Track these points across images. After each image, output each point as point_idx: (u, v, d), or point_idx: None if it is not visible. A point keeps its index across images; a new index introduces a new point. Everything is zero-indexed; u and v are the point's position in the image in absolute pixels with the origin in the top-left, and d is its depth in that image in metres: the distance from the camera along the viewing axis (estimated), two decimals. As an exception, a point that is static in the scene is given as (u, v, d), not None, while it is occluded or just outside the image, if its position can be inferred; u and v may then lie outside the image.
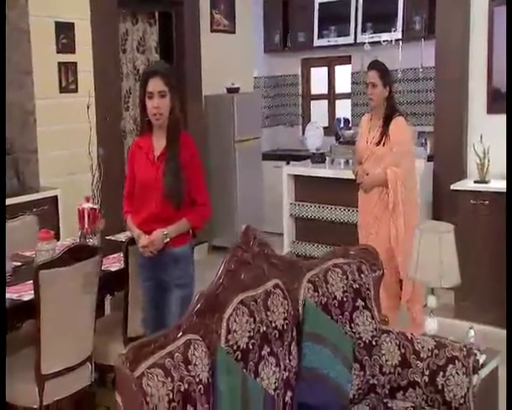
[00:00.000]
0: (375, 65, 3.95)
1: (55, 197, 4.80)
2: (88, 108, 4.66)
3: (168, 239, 2.94)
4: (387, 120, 3.84)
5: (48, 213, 4.66)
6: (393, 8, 6.35)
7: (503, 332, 3.71)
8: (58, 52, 5.07)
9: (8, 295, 2.80)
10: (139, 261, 3.09)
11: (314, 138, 6.24)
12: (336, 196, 5.29)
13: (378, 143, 3.85)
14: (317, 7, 6.93)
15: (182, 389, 1.89)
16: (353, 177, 4.13)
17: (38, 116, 5.00)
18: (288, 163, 6.42)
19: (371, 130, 3.93)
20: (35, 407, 2.73)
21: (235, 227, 6.47)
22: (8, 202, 4.48)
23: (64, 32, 5.09)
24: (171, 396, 1.84)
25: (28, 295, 2.74)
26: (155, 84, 2.90)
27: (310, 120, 7.27)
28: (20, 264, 3.15)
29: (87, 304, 2.86)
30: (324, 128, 6.46)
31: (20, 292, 2.82)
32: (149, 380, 1.80)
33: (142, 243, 2.96)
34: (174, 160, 2.93)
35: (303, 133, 7.14)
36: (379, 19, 6.48)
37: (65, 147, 5.06)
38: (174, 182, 2.91)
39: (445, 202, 4.97)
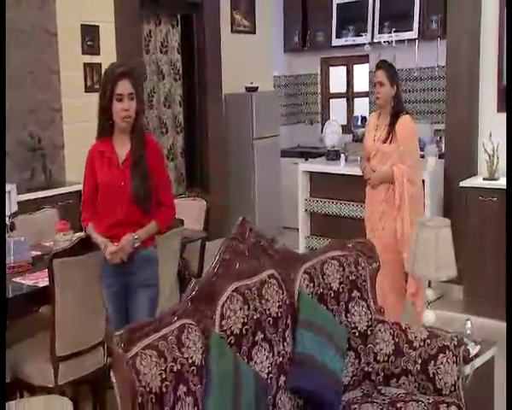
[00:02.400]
0: (383, 64, 3.96)
1: (80, 192, 4.93)
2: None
3: (139, 243, 2.81)
4: (394, 118, 3.84)
5: (72, 206, 4.79)
6: (410, 9, 6.34)
7: (503, 324, 3.76)
8: (83, 53, 5.25)
9: (25, 282, 2.95)
10: (103, 271, 2.90)
11: (332, 136, 6.26)
12: (350, 192, 5.32)
13: (385, 141, 3.86)
14: (335, 7, 6.96)
15: (175, 370, 1.98)
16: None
17: (65, 114, 5.18)
18: (306, 160, 6.48)
19: (378, 128, 3.94)
20: (50, 386, 2.86)
21: (252, 222, 6.55)
22: (36, 195, 4.67)
23: (89, 34, 5.26)
24: (163, 376, 1.93)
25: (44, 282, 2.87)
26: (125, 87, 2.74)
27: (329, 118, 7.30)
28: (39, 253, 3.29)
29: (98, 291, 2.95)
30: (343, 126, 6.49)
31: (37, 279, 2.96)
32: (143, 360, 1.89)
33: (110, 251, 2.78)
34: (141, 164, 2.79)
35: (322, 131, 7.18)
36: (396, 19, 6.48)
37: (90, 143, 5.17)
38: (142, 186, 2.78)
39: (455, 199, 4.97)
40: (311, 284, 2.66)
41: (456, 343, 2.64)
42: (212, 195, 6.36)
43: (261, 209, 6.68)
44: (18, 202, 4.45)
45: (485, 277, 4.67)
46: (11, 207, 4.41)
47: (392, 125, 3.84)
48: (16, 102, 4.87)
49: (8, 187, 4.56)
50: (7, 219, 3.80)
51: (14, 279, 3.00)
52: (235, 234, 2.38)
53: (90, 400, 3.26)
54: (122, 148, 2.84)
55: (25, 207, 4.19)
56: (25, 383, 2.95)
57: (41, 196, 4.65)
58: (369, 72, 7.08)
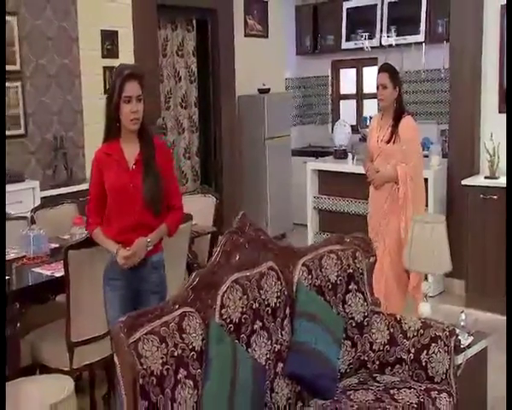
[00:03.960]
0: (386, 67, 3.98)
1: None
2: (129, 108, 4.88)
3: (151, 247, 2.71)
4: (397, 120, 3.85)
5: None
6: (417, 13, 6.35)
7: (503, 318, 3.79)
8: (103, 57, 5.33)
9: (43, 272, 3.05)
10: (109, 274, 2.77)
11: (342, 136, 6.28)
12: (357, 190, 5.32)
13: (388, 141, 3.85)
14: (345, 12, 6.98)
15: (175, 354, 2.05)
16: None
17: (85, 115, 5.28)
18: (316, 159, 6.50)
19: (381, 129, 3.94)
20: (66, 369, 2.94)
21: (264, 219, 6.62)
22: (58, 191, 4.78)
23: (109, 39, 5.35)
24: (164, 360, 2.00)
25: (60, 272, 2.96)
26: (133, 88, 2.61)
27: (339, 119, 7.32)
28: (57, 245, 3.38)
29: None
30: (352, 126, 6.51)
31: (54, 269, 3.05)
32: (145, 344, 1.96)
33: (123, 255, 2.64)
34: (152, 166, 2.68)
35: (332, 131, 7.19)
36: (403, 23, 6.48)
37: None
38: (154, 189, 2.67)
39: (457, 197, 4.97)
40: (310, 277, 2.70)
41: (447, 334, 2.67)
42: (226, 192, 6.45)
43: (273, 206, 6.73)
44: (41, 198, 4.58)
45: (487, 272, 4.67)
46: (34, 202, 4.55)
47: (395, 126, 3.85)
48: (42, 105, 4.99)
49: (33, 184, 4.71)
50: (29, 213, 3.93)
51: (33, 269, 3.10)
52: (235, 228, 2.42)
53: (106, 383, 3.35)
54: (131, 150, 2.70)
55: (47, 203, 4.29)
56: (43, 365, 3.04)
57: (62, 192, 4.75)
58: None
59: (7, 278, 3.00)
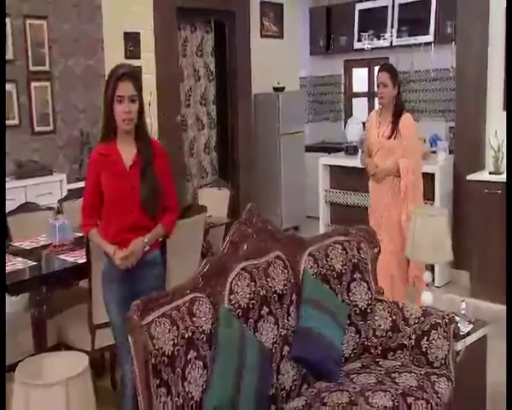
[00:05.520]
0: (386, 67, 3.97)
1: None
2: (149, 104, 4.93)
3: (148, 247, 2.61)
4: (397, 117, 3.85)
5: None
6: (426, 15, 6.28)
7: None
8: (126, 58, 5.37)
9: (67, 259, 3.11)
10: (107, 277, 2.65)
11: (354, 132, 6.28)
12: (365, 184, 5.31)
13: (389, 137, 3.86)
14: (357, 13, 6.93)
15: (186, 336, 2.08)
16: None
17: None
18: (329, 155, 6.48)
19: (381, 125, 3.94)
20: (88, 349, 2.99)
21: (279, 212, 6.64)
22: (82, 184, 4.78)
23: (131, 40, 5.40)
24: (175, 341, 2.03)
25: (82, 259, 3.01)
26: (126, 88, 2.46)
27: (351, 116, 7.30)
28: (81, 234, 3.43)
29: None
30: (364, 123, 6.45)
31: (77, 256, 3.11)
32: (157, 326, 1.99)
33: (120, 256, 2.53)
34: (149, 168, 2.56)
35: (344, 128, 7.17)
36: (413, 24, 6.42)
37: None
38: (152, 191, 2.55)
39: (462, 191, 4.93)
40: (315, 265, 2.71)
41: (447, 321, 2.67)
42: (242, 185, 6.48)
43: (286, 200, 6.73)
44: (68, 190, 4.67)
45: (490, 263, 4.63)
46: (62, 193, 4.63)
47: (395, 122, 3.85)
48: (69, 104, 5.07)
49: (60, 177, 4.80)
50: (56, 204, 4.00)
51: (58, 256, 3.17)
52: (243, 219, 2.45)
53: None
54: (128, 151, 2.56)
55: (73, 194, 4.36)
56: (67, 346, 3.11)
57: (87, 185, 4.82)
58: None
59: (36, 263, 3.07)
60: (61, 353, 2.31)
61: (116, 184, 2.56)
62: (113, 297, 2.63)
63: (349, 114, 7.62)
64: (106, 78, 5.17)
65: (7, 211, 3.72)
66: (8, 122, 4.65)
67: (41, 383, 1.99)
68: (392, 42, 6.61)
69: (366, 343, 2.82)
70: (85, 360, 2.07)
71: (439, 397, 2.47)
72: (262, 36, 6.77)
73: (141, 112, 2.55)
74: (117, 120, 2.50)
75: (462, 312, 3.06)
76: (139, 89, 2.53)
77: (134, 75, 2.54)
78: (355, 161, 5.56)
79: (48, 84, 4.92)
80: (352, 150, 5.80)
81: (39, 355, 2.29)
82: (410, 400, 2.38)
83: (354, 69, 7.62)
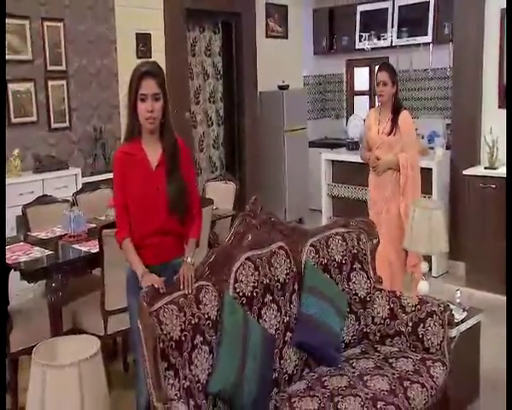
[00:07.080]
0: (385, 66, 3.94)
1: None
2: (159, 102, 4.93)
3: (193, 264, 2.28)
4: (396, 114, 3.83)
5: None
6: (425, 16, 6.23)
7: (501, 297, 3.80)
8: (138, 58, 5.35)
9: (81, 249, 3.11)
10: (132, 283, 2.34)
11: (355, 129, 6.24)
12: (365, 179, 5.30)
13: (389, 134, 3.85)
14: (358, 14, 6.87)
15: (192, 322, 2.09)
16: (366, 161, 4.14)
17: (122, 109, 5.34)
18: (331, 150, 6.46)
19: (380, 122, 3.92)
20: (101, 334, 3.00)
21: (283, 206, 6.63)
22: (97, 178, 4.86)
23: (142, 41, 5.39)
24: (183, 327, 2.04)
25: (96, 249, 3.02)
26: (149, 86, 2.25)
27: (353, 113, 7.26)
28: (94, 226, 3.45)
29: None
30: (365, 120, 6.43)
31: (91, 246, 3.12)
32: (165, 313, 2.00)
33: (147, 284, 2.11)
34: (176, 169, 2.33)
35: (346, 124, 7.14)
36: (412, 25, 6.37)
37: (142, 134, 5.38)
38: (179, 193, 2.32)
39: (459, 186, 4.91)
40: (317, 256, 2.71)
41: (442, 309, 2.67)
42: (248, 179, 6.48)
43: (291, 193, 6.72)
44: (82, 183, 4.68)
45: (485, 255, 4.61)
46: (77, 187, 4.65)
47: (394, 119, 3.83)
48: (84, 101, 5.07)
49: (75, 171, 4.80)
50: (71, 196, 4.02)
51: (73, 246, 3.17)
52: (248, 211, 2.44)
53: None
54: (153, 151, 2.35)
55: (87, 187, 4.38)
56: (81, 331, 3.12)
57: (101, 178, 4.83)
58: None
59: (52, 252, 3.09)
60: (74, 337, 2.31)
61: (142, 186, 2.31)
62: (136, 299, 2.16)
63: (351, 111, 7.57)
64: (118, 76, 5.30)
65: (25, 203, 3.73)
66: (26, 119, 4.66)
67: (56, 364, 2.01)
68: (392, 42, 6.56)
69: (365, 330, 2.82)
70: (97, 344, 2.08)
71: (434, 381, 2.47)
72: (267, 36, 6.74)
73: (165, 111, 2.32)
74: (140, 120, 2.29)
75: (458, 300, 3.05)
76: (163, 86, 2.29)
77: (157, 73, 2.30)
78: (356, 157, 5.51)
79: (64, 82, 4.92)
80: (353, 146, 5.78)
81: (54, 339, 2.30)
82: (406, 383, 2.38)
83: (356, 68, 7.57)
